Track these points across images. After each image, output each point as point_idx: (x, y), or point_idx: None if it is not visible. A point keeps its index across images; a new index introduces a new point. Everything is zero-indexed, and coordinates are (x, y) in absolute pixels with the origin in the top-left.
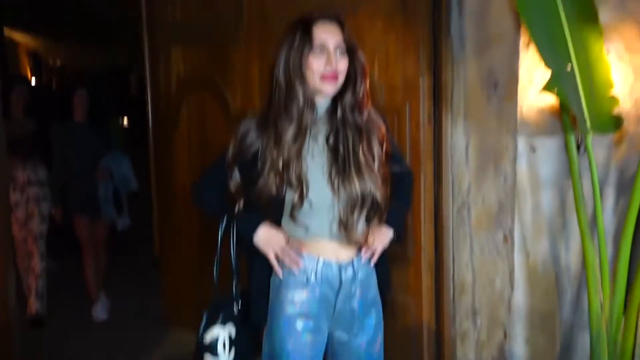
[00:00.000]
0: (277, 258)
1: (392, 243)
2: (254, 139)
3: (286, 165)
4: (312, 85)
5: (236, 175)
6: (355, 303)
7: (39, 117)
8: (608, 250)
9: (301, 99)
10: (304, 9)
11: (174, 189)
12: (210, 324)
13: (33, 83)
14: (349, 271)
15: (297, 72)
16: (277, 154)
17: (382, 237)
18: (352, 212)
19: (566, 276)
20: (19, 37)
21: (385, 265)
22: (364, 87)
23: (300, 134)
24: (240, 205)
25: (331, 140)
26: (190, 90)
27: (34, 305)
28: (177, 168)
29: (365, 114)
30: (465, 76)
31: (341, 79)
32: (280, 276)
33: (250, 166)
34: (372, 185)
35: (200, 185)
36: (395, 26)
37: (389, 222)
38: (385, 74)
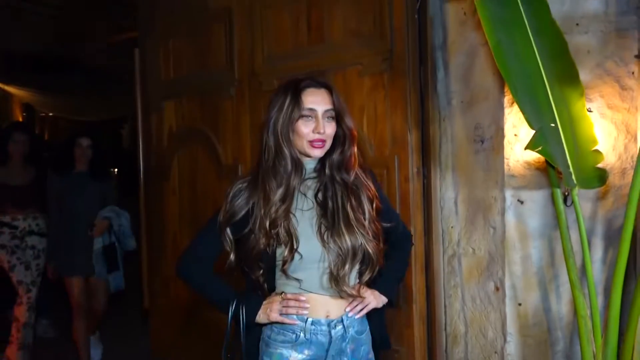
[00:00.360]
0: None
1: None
2: (245, 200)
3: (274, 223)
4: (300, 148)
5: (229, 234)
6: None
7: (38, 165)
8: (599, 300)
9: (289, 162)
10: (292, 69)
11: (164, 241)
12: None
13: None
14: (339, 328)
15: (286, 136)
16: (265, 213)
17: (376, 297)
18: (343, 265)
19: (558, 326)
20: (12, 89)
21: (382, 324)
22: (351, 150)
23: (288, 195)
24: (232, 261)
25: (320, 196)
26: (182, 143)
27: (14, 356)
28: (167, 220)
29: (352, 173)
30: (452, 131)
31: (329, 143)
32: (288, 321)
33: (242, 225)
34: (362, 239)
35: (186, 260)
36: (383, 84)
37: (383, 289)
38: (374, 128)
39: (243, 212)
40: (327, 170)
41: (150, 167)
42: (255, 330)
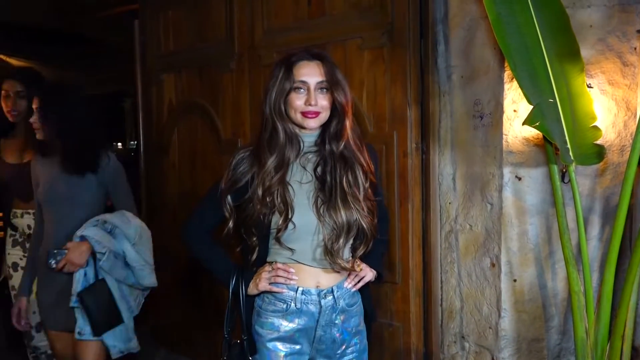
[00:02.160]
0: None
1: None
2: (246, 168)
3: (268, 190)
4: (295, 120)
5: (229, 201)
6: (336, 331)
7: None
8: (594, 277)
9: (281, 134)
10: (292, 42)
11: (164, 215)
12: None
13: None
14: (329, 298)
15: (278, 110)
16: (259, 181)
17: (370, 271)
18: (338, 239)
19: (553, 302)
20: (14, 61)
21: (369, 297)
22: (343, 123)
23: (282, 166)
24: (230, 228)
25: (319, 170)
26: (182, 116)
27: None
28: (167, 194)
29: (342, 144)
30: (451, 107)
31: (324, 114)
32: (275, 289)
33: (242, 193)
34: (357, 214)
35: (189, 227)
36: (383, 58)
37: (372, 264)
38: (374, 103)
39: (244, 180)
40: (326, 145)
41: (150, 141)
42: (250, 301)
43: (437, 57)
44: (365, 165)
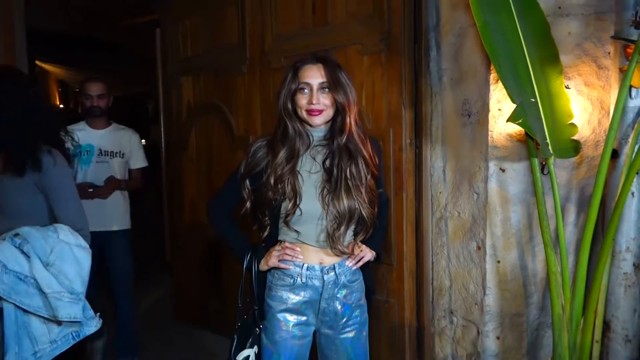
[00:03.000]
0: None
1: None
2: (263, 155)
3: (279, 179)
4: (303, 118)
5: (247, 184)
6: (338, 305)
7: None
8: (569, 259)
9: (291, 130)
10: (298, 48)
11: (183, 204)
12: (240, 347)
13: (61, 107)
14: (331, 274)
15: (287, 109)
16: (273, 171)
17: (370, 251)
18: (339, 226)
19: (533, 282)
20: (48, 67)
21: (370, 275)
22: (345, 120)
23: (292, 157)
24: (247, 208)
25: (327, 163)
26: (199, 116)
27: None
28: (186, 185)
29: (345, 137)
30: (442, 106)
31: (327, 111)
32: (283, 266)
33: (258, 177)
34: (359, 204)
35: (214, 205)
36: (381, 63)
37: (372, 246)
38: (372, 103)
39: (261, 166)
40: (334, 140)
41: (171, 139)
42: (261, 276)
43: (429, 62)
44: (367, 157)
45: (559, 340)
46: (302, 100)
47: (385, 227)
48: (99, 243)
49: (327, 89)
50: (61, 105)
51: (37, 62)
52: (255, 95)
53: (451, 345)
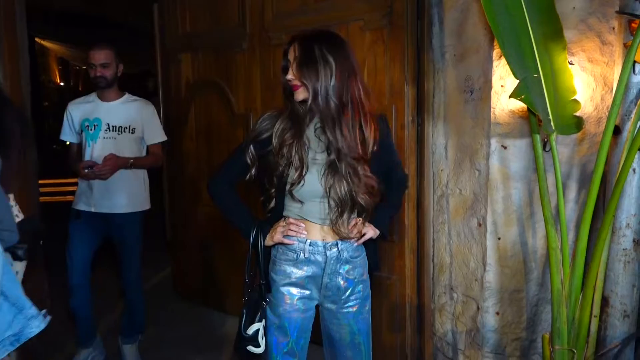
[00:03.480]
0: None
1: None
2: (270, 125)
3: (284, 143)
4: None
5: (252, 150)
6: (340, 280)
7: None
8: (570, 235)
9: (291, 109)
10: (299, 24)
11: (183, 181)
12: (250, 321)
13: (62, 84)
14: (334, 250)
15: (284, 85)
16: (277, 135)
17: (373, 229)
18: (339, 210)
19: (532, 258)
20: (48, 44)
21: (375, 251)
22: (316, 98)
23: (298, 125)
24: (252, 175)
25: (318, 128)
26: (198, 92)
27: None
28: (185, 161)
29: (332, 107)
30: (444, 83)
31: (305, 88)
32: (287, 241)
33: (264, 144)
34: (356, 190)
35: (215, 179)
36: (383, 39)
37: (378, 224)
38: (374, 80)
39: (267, 134)
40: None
41: (170, 115)
42: (267, 252)
43: (432, 38)
44: (371, 134)
45: (558, 315)
46: (284, 77)
47: (396, 206)
48: (105, 225)
49: (303, 66)
50: (61, 83)
51: (37, 40)
52: (255, 72)
53: (451, 321)
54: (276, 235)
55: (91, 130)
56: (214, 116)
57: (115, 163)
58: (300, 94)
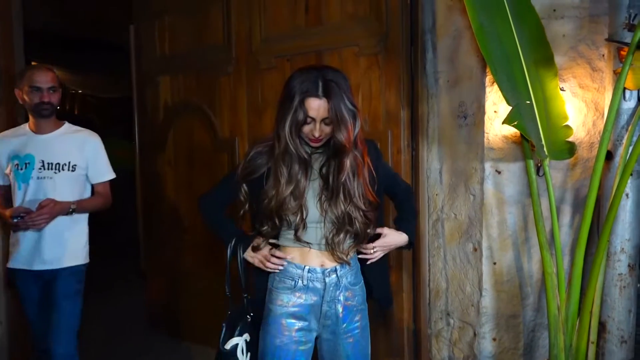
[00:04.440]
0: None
1: (403, 248)
2: (263, 162)
3: (283, 203)
4: (303, 136)
5: (244, 188)
6: (340, 307)
7: None
8: (565, 260)
9: (295, 159)
10: (290, 49)
11: (160, 208)
12: (229, 335)
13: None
14: (333, 277)
15: (293, 137)
16: (275, 193)
17: (393, 237)
18: (338, 232)
19: (528, 283)
20: None
21: (385, 282)
22: (342, 153)
23: (293, 178)
24: (242, 213)
25: (324, 170)
26: (178, 116)
27: None
28: (163, 188)
29: (347, 156)
30: (438, 108)
31: (325, 138)
32: (275, 270)
33: (257, 184)
34: (352, 211)
35: (206, 198)
36: (378, 64)
37: (403, 227)
38: (369, 105)
39: (260, 172)
40: (331, 148)
41: (145, 139)
42: (246, 262)
43: (425, 63)
44: (366, 166)
45: (555, 342)
46: (306, 130)
47: (413, 213)
48: (41, 284)
49: (327, 123)
50: (58, 107)
51: (33, 63)
52: (241, 96)
53: (448, 347)
54: (255, 260)
55: (22, 169)
56: (196, 141)
57: (53, 209)
58: (320, 143)
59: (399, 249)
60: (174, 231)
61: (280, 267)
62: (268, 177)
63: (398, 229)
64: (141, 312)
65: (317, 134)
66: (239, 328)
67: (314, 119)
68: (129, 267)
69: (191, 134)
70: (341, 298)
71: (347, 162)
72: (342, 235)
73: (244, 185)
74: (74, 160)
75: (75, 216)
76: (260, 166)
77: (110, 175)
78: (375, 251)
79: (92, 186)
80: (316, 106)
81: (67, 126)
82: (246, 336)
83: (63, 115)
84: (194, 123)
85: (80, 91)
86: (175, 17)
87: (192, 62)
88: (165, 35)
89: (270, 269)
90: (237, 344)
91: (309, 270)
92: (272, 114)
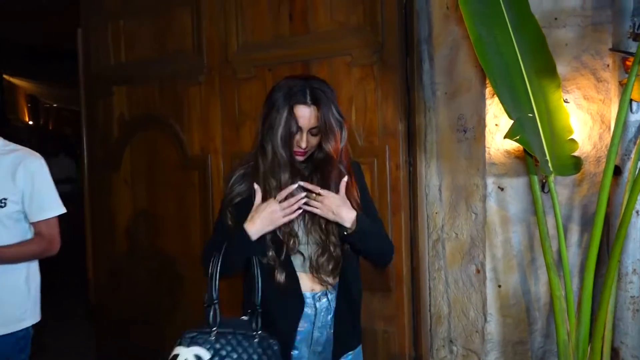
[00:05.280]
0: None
1: (345, 231)
2: (246, 186)
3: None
4: None
5: (230, 213)
6: (331, 332)
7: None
8: (574, 282)
9: (287, 169)
10: (273, 58)
11: (114, 234)
12: (177, 343)
13: (31, 123)
14: (324, 300)
15: (280, 143)
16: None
17: (342, 202)
18: (323, 252)
19: (536, 307)
20: (16, 81)
21: (355, 319)
22: (326, 155)
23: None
24: None
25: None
26: (136, 131)
27: None
28: (118, 212)
29: (331, 173)
30: (436, 121)
31: (310, 151)
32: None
33: (242, 207)
34: (327, 236)
35: (205, 252)
36: (373, 76)
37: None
38: (364, 118)
39: (244, 196)
40: (311, 166)
41: (95, 156)
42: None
43: (422, 75)
44: (351, 184)
45: None
46: (293, 140)
47: (382, 230)
48: None
49: (315, 133)
50: (30, 122)
51: (5, 76)
52: (214, 109)
53: None
54: (275, 217)
55: None
56: (159, 158)
57: None
58: (304, 157)
59: (341, 230)
60: (131, 259)
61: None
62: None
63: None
64: (89, 356)
65: (303, 145)
66: (187, 338)
67: (301, 129)
68: (76, 303)
69: (153, 150)
70: (332, 322)
71: (333, 174)
72: (327, 255)
73: (229, 211)
74: (6, 191)
75: (10, 266)
76: (243, 191)
77: (57, 210)
78: (319, 193)
79: (34, 225)
80: (306, 114)
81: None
82: (197, 350)
83: (36, 130)
84: (157, 138)
85: (54, 105)
86: (133, 19)
87: (154, 70)
88: (121, 40)
89: (295, 207)
90: (177, 355)
91: None
92: (251, 128)
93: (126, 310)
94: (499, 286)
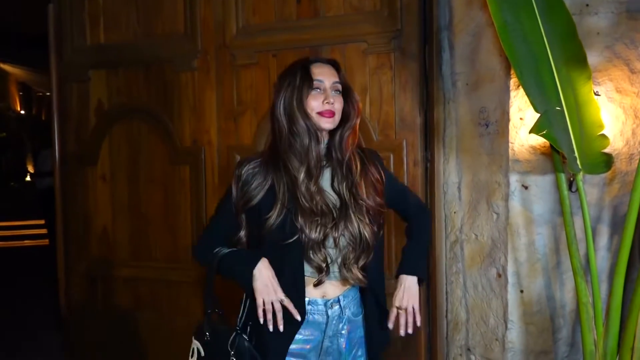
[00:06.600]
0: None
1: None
2: (260, 184)
3: (311, 199)
4: (312, 121)
5: (243, 218)
6: (342, 341)
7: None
8: (602, 288)
9: (305, 134)
10: (275, 42)
11: (89, 234)
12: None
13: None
14: (336, 308)
15: (300, 109)
16: (299, 194)
17: (411, 292)
18: (354, 251)
19: (561, 314)
20: (7, 67)
21: (382, 317)
22: (348, 129)
23: (311, 168)
24: (241, 237)
25: (336, 185)
26: (117, 121)
27: None
28: (94, 209)
29: (348, 153)
30: (456, 114)
31: (338, 116)
32: (261, 320)
33: (258, 210)
34: (360, 223)
35: (201, 248)
36: (390, 64)
37: (409, 268)
38: (379, 110)
39: (259, 197)
40: (333, 154)
41: (68, 149)
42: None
43: (441, 64)
44: (374, 174)
45: None
46: (315, 101)
47: (425, 242)
48: None
49: (338, 92)
50: (22, 111)
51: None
52: (209, 97)
53: None
54: (275, 295)
55: None
56: (144, 151)
57: None
58: (332, 123)
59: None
60: (108, 265)
61: (298, 317)
62: (274, 200)
63: (403, 262)
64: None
65: (330, 100)
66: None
67: (322, 84)
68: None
69: (136, 142)
70: (344, 331)
71: (350, 141)
72: (357, 253)
73: (244, 216)
74: None
75: None
76: (258, 191)
77: None
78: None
79: None
80: (325, 70)
81: None
82: (198, 345)
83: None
84: (141, 129)
85: (48, 94)
86: None
87: (139, 54)
88: (100, 19)
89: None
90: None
91: (309, 302)
92: (251, 118)
93: (102, 323)
94: (522, 291)
